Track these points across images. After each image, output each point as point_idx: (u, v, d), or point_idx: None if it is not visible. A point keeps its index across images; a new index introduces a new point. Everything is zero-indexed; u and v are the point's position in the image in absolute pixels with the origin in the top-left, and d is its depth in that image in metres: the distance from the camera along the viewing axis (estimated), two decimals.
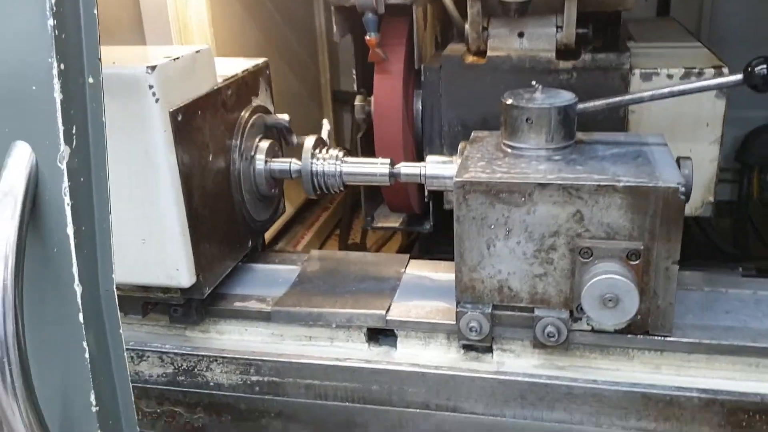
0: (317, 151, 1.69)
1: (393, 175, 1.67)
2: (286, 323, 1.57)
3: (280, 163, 1.72)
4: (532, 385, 1.39)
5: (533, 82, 1.55)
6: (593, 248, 1.34)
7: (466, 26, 2.03)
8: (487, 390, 1.41)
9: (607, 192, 1.32)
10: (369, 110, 2.19)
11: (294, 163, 1.71)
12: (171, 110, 1.34)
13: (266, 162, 1.70)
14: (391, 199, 2.18)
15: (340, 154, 1.69)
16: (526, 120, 1.48)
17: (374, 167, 1.68)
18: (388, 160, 1.68)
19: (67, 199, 1.05)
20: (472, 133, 1.67)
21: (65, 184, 1.05)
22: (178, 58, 1.37)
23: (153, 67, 1.29)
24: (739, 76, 1.44)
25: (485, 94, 1.99)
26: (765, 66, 1.38)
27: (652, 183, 1.31)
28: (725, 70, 1.88)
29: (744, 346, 1.39)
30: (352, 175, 1.69)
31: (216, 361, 1.52)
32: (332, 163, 1.68)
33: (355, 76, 2.19)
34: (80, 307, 1.09)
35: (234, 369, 1.51)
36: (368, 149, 2.31)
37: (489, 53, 1.98)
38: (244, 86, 1.65)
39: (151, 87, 1.29)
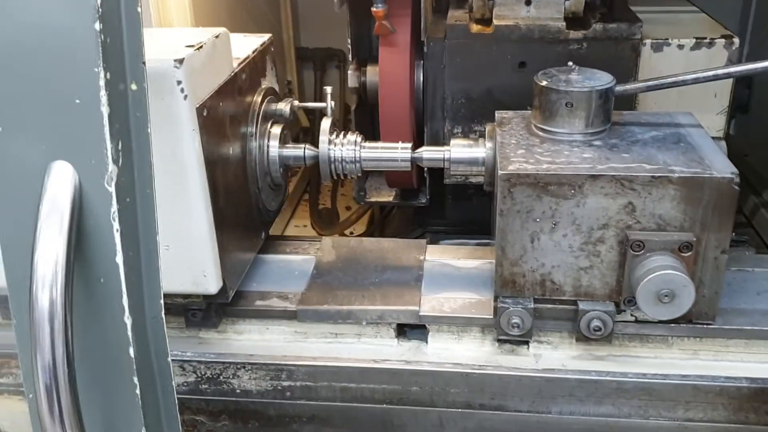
0: (334, 136, 1.59)
1: (415, 160, 1.59)
2: (313, 322, 1.49)
3: (293, 150, 1.60)
4: (581, 382, 1.36)
5: (570, 63, 1.48)
6: (645, 241, 1.30)
7: None
8: (534, 389, 1.38)
9: (661, 183, 1.28)
10: (364, 80, 2.09)
11: (309, 149, 1.61)
12: (197, 106, 1.21)
13: (280, 149, 1.58)
14: (391, 175, 2.09)
15: (359, 138, 1.59)
16: (566, 104, 1.41)
17: (395, 152, 1.59)
18: (409, 145, 1.59)
19: (116, 225, 0.94)
20: (496, 114, 1.59)
21: (114, 208, 0.93)
22: (201, 47, 1.23)
23: (181, 61, 1.16)
24: None
25: (491, 65, 1.92)
26: None
27: (707, 173, 1.27)
28: (736, 39, 1.86)
29: None
30: (372, 161, 1.59)
31: (244, 368, 1.43)
32: (351, 148, 1.58)
33: (349, 45, 2.06)
34: (131, 340, 0.99)
35: (264, 375, 1.43)
36: (362, 121, 2.21)
37: (495, 22, 1.89)
38: (254, 68, 1.52)
39: (179, 83, 1.16)
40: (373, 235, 2.94)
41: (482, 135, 1.98)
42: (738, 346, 1.42)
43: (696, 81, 1.43)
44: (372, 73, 2.07)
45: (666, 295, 1.27)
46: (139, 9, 0.93)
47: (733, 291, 1.50)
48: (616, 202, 1.31)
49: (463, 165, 1.56)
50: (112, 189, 0.93)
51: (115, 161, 0.92)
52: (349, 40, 2.06)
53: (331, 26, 3.71)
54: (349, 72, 2.10)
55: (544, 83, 1.44)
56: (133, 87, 0.95)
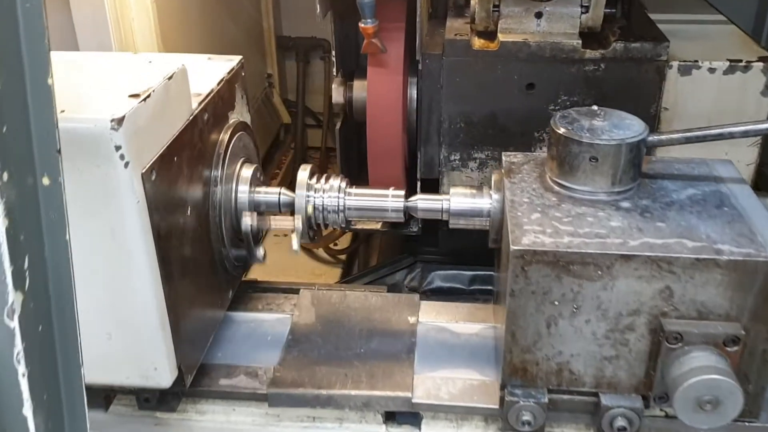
0: (314, 181, 1.36)
1: (408, 211, 1.36)
2: (287, 407, 1.28)
3: (266, 195, 1.37)
4: None
5: (594, 107, 1.25)
6: (684, 333, 1.09)
7: (473, 2, 1.69)
8: None
9: (706, 267, 1.07)
10: (350, 97, 1.84)
11: (284, 194, 1.37)
12: (144, 171, 0.97)
13: (251, 194, 1.35)
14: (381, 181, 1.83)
15: (343, 184, 1.36)
16: (590, 159, 1.19)
17: (385, 201, 1.36)
18: (401, 193, 1.36)
19: (21, 369, 0.71)
20: (504, 158, 1.36)
21: (19, 346, 0.70)
22: (148, 96, 0.98)
23: (120, 120, 0.91)
24: None
25: (495, 86, 1.69)
26: None
27: (762, 256, 1.06)
28: None
29: None
30: (358, 211, 1.36)
31: None
32: (334, 196, 1.35)
33: (333, 58, 1.81)
34: None
35: None
36: (348, 142, 1.98)
37: (501, 37, 1.65)
38: (220, 103, 1.28)
39: (118, 148, 0.92)
40: (359, 251, 2.72)
41: (481, 170, 1.79)
42: None
43: (746, 134, 1.20)
44: (359, 88, 1.83)
45: (708, 402, 1.06)
46: (50, 81, 0.69)
47: None
48: (651, 286, 1.09)
49: (465, 218, 1.34)
50: (15, 323, 0.69)
51: (18, 286, 0.69)
52: (333, 52, 1.81)
53: (314, 14, 3.43)
54: (333, 86, 1.86)
55: (562, 131, 1.21)
56: (45, 182, 0.71)
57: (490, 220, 1.30)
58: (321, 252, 2.88)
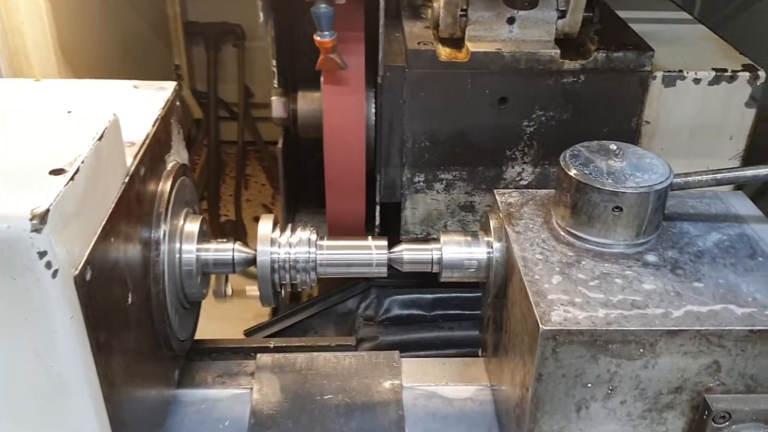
0: (279, 234, 1.12)
1: (393, 262, 1.15)
2: None
3: (217, 253, 1.13)
4: None
5: (613, 147, 1.07)
6: (732, 411, 0.95)
7: (437, 6, 1.47)
8: None
9: (761, 338, 0.92)
10: (294, 109, 1.60)
11: (239, 251, 1.13)
12: (76, 273, 0.72)
13: (198, 253, 1.10)
14: (336, 219, 1.59)
15: (313, 236, 1.13)
16: (614, 209, 1.01)
17: (368, 253, 1.14)
18: (383, 243, 1.15)
19: None
20: (497, 197, 1.17)
21: None
22: (77, 171, 0.72)
23: (43, 216, 0.65)
24: None
25: (464, 101, 1.49)
26: None
27: None
28: (761, 73, 1.51)
29: None
30: (334, 267, 1.14)
31: None
32: (303, 251, 1.12)
33: (275, 69, 1.56)
34: None
35: None
36: (291, 161, 1.74)
37: (470, 46, 1.46)
38: (156, 148, 1.02)
39: (43, 255, 0.66)
40: None
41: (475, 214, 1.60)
42: None
43: None
44: (306, 100, 1.60)
45: None
46: None
47: None
48: (697, 361, 0.94)
49: (460, 270, 1.14)
50: None
51: None
52: (274, 62, 1.56)
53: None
54: (273, 99, 1.61)
55: (579, 175, 1.03)
56: None
57: (491, 274, 1.11)
58: None
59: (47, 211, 0.66)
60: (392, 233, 1.64)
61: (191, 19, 3.13)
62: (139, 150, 0.94)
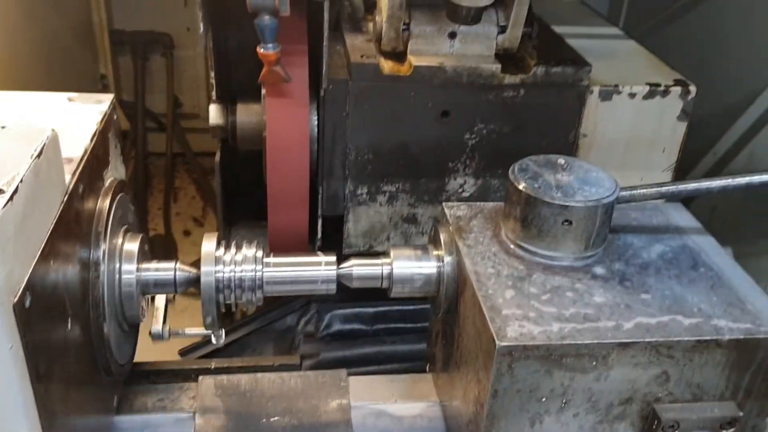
0: (224, 253, 1.08)
1: (342, 278, 1.13)
2: None
3: (157, 273, 1.08)
4: None
5: (561, 161, 1.08)
6: (680, 420, 0.97)
7: (379, 19, 1.47)
8: None
9: (707, 348, 0.95)
10: (233, 121, 1.56)
11: (181, 270, 1.09)
12: (15, 301, 0.67)
13: (138, 273, 1.05)
14: (278, 236, 1.55)
15: (259, 253, 1.10)
16: (563, 222, 1.02)
17: (316, 270, 1.12)
18: (332, 259, 1.13)
19: None
20: (446, 211, 1.17)
21: None
22: (15, 191, 0.67)
23: None
24: None
25: (407, 114, 1.49)
26: None
27: (763, 333, 0.95)
28: (692, 87, 1.57)
29: None
30: (281, 285, 1.11)
31: None
32: (249, 269, 1.08)
33: (213, 81, 1.51)
34: None
35: None
36: (229, 175, 1.69)
37: (413, 60, 1.46)
38: (95, 163, 0.97)
39: None
40: None
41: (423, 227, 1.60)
42: None
43: (725, 189, 1.09)
44: (244, 112, 1.56)
45: None
46: None
47: None
48: (647, 372, 0.95)
49: (411, 285, 1.13)
50: None
51: None
52: (212, 73, 1.51)
53: (153, 4, 3.03)
54: (211, 109, 1.56)
55: (528, 189, 1.04)
56: None
57: (442, 289, 1.11)
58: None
59: None
60: (334, 247, 1.62)
61: (117, 27, 3.02)
62: (78, 166, 0.89)
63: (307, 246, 1.57)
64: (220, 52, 1.59)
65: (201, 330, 1.13)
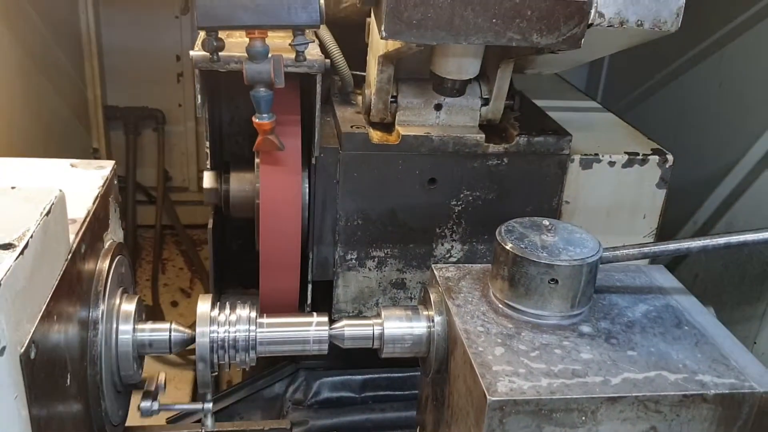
0: (218, 314, 1.10)
1: (334, 339, 1.15)
2: None
3: (153, 333, 1.10)
4: None
5: (545, 223, 1.12)
6: None
7: (368, 92, 1.54)
8: None
9: (694, 403, 0.97)
10: (227, 190, 1.60)
11: (176, 331, 1.11)
12: (22, 351, 0.69)
13: (134, 334, 1.07)
14: (269, 298, 1.57)
15: (253, 314, 1.12)
16: (550, 281, 1.06)
17: (307, 331, 1.14)
18: (324, 319, 1.15)
19: None
20: (435, 271, 1.20)
21: None
22: (26, 246, 0.70)
23: None
24: None
25: (395, 181, 1.54)
26: None
27: (747, 387, 0.98)
28: (669, 156, 1.64)
29: None
30: (274, 345, 1.13)
31: None
32: (243, 329, 1.10)
33: (208, 150, 1.57)
34: None
35: None
36: (222, 245, 1.72)
37: (401, 130, 1.52)
38: (96, 225, 1.00)
39: None
40: None
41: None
42: None
43: (704, 249, 1.13)
44: (238, 181, 1.60)
45: None
46: None
47: None
48: (635, 428, 0.97)
49: (402, 344, 1.15)
50: None
51: None
52: (207, 143, 1.56)
53: (146, 82, 3.12)
54: (205, 178, 1.60)
55: (515, 249, 1.08)
56: None
57: (432, 349, 1.13)
58: (176, 358, 2.51)
59: None
60: (323, 311, 1.64)
61: (111, 103, 3.10)
62: (81, 227, 0.92)
63: (297, 310, 1.59)
64: (214, 125, 1.64)
65: (191, 405, 1.15)
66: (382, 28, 1.16)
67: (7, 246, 0.69)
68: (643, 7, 1.17)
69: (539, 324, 1.08)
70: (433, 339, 1.13)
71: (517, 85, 1.69)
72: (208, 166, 1.58)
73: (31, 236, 0.72)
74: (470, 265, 1.23)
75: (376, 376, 1.85)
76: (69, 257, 0.85)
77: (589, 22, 1.17)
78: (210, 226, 1.64)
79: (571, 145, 1.57)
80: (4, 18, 1.95)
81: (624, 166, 1.62)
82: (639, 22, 1.18)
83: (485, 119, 1.58)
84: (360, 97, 1.66)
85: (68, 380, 0.85)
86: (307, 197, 1.54)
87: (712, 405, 0.97)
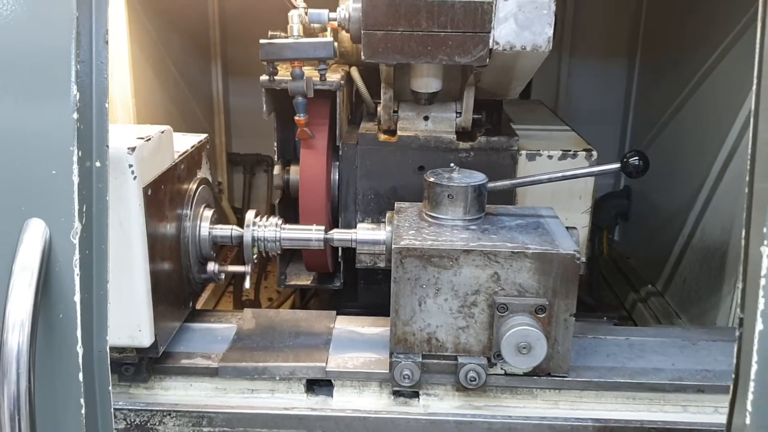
0: (258, 219, 1.87)
1: (327, 240, 1.88)
2: (232, 378, 1.71)
3: (222, 230, 1.88)
4: (458, 423, 1.62)
5: (452, 164, 1.83)
6: (508, 304, 1.61)
7: (379, 109, 2.30)
8: (421, 429, 1.62)
9: (519, 257, 1.61)
10: (288, 178, 2.40)
11: (235, 230, 1.88)
12: (144, 186, 1.49)
13: (210, 229, 1.85)
14: (309, 260, 2.36)
15: (279, 221, 1.88)
16: (448, 196, 1.75)
17: (310, 233, 1.88)
18: (322, 228, 1.89)
19: (77, 270, 1.17)
20: (396, 205, 1.91)
21: (76, 256, 1.17)
22: (149, 139, 1.52)
23: (133, 149, 1.44)
24: (617, 165, 1.79)
25: (395, 168, 2.27)
26: (637, 158, 1.74)
27: (554, 250, 1.61)
28: (594, 153, 2.27)
29: (624, 382, 1.70)
30: (290, 241, 1.88)
31: (169, 415, 1.63)
32: (272, 230, 1.86)
33: (275, 147, 2.38)
34: (81, 367, 1.20)
35: (186, 422, 1.63)
36: (285, 213, 2.50)
37: (399, 133, 2.26)
38: (192, 161, 1.81)
39: (130, 166, 1.44)
40: None
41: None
42: (590, 397, 1.71)
43: (550, 180, 1.79)
44: (294, 172, 2.39)
45: (524, 347, 1.57)
46: (106, 105, 1.22)
47: (588, 353, 1.81)
48: (485, 272, 1.62)
49: (368, 245, 1.86)
50: (76, 241, 1.17)
51: (80, 219, 1.18)
52: (275, 144, 2.38)
53: (261, 134, 4.06)
54: (274, 170, 2.41)
55: (431, 179, 1.78)
56: (98, 164, 1.21)
57: (385, 246, 1.83)
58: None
59: (134, 147, 1.44)
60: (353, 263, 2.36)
61: (233, 150, 4.07)
62: (182, 155, 1.74)
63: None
64: (283, 129, 2.45)
65: (237, 267, 1.90)
66: (362, 54, 1.93)
67: (141, 138, 1.50)
68: (524, 38, 1.87)
69: (443, 224, 1.76)
70: (386, 240, 1.83)
71: (517, 115, 2.41)
72: (275, 159, 2.39)
73: (152, 137, 1.53)
74: (419, 203, 1.93)
75: None
76: (173, 163, 1.66)
77: (490, 47, 1.89)
78: (276, 201, 2.44)
79: (519, 144, 2.24)
80: (158, 77, 2.92)
81: (559, 159, 2.27)
82: (523, 47, 1.88)
83: (460, 127, 2.29)
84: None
85: (167, 226, 1.64)
86: (337, 179, 2.31)
87: (531, 259, 1.60)
